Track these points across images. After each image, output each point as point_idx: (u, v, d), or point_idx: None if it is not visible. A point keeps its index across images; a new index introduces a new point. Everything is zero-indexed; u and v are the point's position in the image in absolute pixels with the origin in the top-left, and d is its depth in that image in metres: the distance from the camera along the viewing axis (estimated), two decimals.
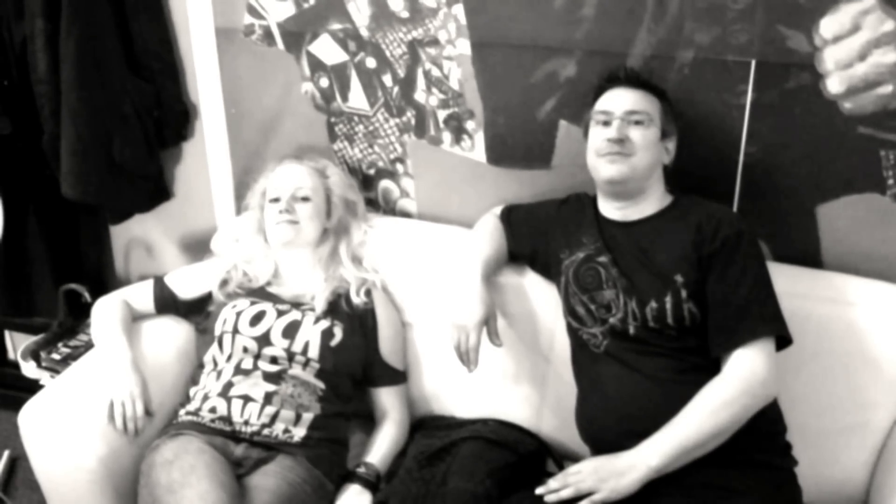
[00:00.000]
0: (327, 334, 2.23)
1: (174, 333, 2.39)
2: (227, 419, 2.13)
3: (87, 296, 2.67)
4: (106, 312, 2.31)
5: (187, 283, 2.41)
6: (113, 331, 2.26)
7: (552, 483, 1.87)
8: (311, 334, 2.22)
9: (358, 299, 2.32)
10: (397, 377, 2.36)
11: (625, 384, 1.96)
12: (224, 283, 2.36)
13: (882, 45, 1.96)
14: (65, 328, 2.69)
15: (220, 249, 2.57)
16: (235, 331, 2.23)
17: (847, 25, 1.98)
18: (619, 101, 2.06)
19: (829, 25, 1.99)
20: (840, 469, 2.08)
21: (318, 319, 2.25)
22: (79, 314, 2.71)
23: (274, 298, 2.31)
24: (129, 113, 2.62)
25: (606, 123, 2.06)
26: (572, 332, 2.12)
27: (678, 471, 1.81)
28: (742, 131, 2.16)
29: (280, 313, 2.25)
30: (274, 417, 2.13)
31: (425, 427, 2.33)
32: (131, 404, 2.14)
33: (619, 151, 2.01)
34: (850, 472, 2.08)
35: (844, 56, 2.00)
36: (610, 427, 1.95)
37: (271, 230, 2.34)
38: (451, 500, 1.96)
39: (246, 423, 2.12)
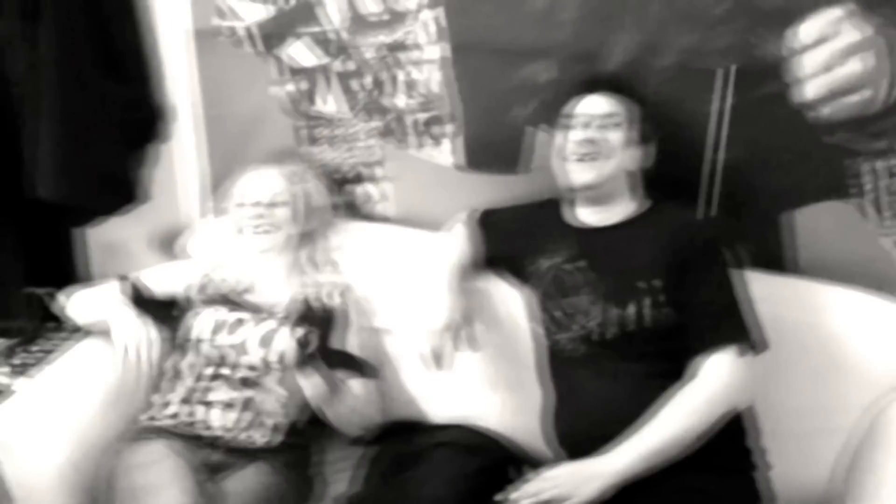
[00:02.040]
0: (304, 344, 2.20)
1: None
2: (195, 424, 2.12)
3: (53, 300, 2.65)
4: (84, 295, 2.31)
5: (159, 281, 2.39)
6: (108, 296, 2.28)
7: (524, 489, 1.86)
8: (286, 343, 2.19)
9: (331, 303, 2.30)
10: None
11: (599, 388, 1.96)
12: (202, 287, 2.35)
13: (859, 52, 1.97)
14: (37, 332, 2.67)
15: (195, 252, 2.55)
16: (204, 338, 2.22)
17: (824, 32, 1.98)
18: (594, 104, 2.07)
19: (807, 31, 2.00)
20: (813, 472, 2.08)
21: (294, 328, 2.23)
22: (51, 318, 2.68)
23: (249, 306, 2.29)
24: (105, 115, 2.60)
25: (584, 126, 2.06)
26: (547, 338, 2.11)
27: (650, 475, 1.81)
28: (719, 137, 2.16)
29: (255, 322, 2.24)
30: (240, 423, 2.12)
31: (398, 432, 2.32)
32: (143, 342, 2.18)
33: (589, 153, 2.02)
34: (822, 475, 2.07)
35: (822, 62, 2.01)
36: (584, 431, 1.95)
37: (246, 235, 2.32)
38: None
39: (212, 428, 2.11)
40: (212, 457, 2.08)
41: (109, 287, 2.32)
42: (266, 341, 2.20)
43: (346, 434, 2.22)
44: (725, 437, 1.87)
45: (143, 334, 2.19)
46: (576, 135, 2.05)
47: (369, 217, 2.63)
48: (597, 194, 2.06)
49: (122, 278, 2.38)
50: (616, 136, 2.03)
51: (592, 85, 2.12)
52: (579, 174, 2.04)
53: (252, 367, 2.19)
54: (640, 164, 2.08)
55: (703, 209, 2.22)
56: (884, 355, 2.03)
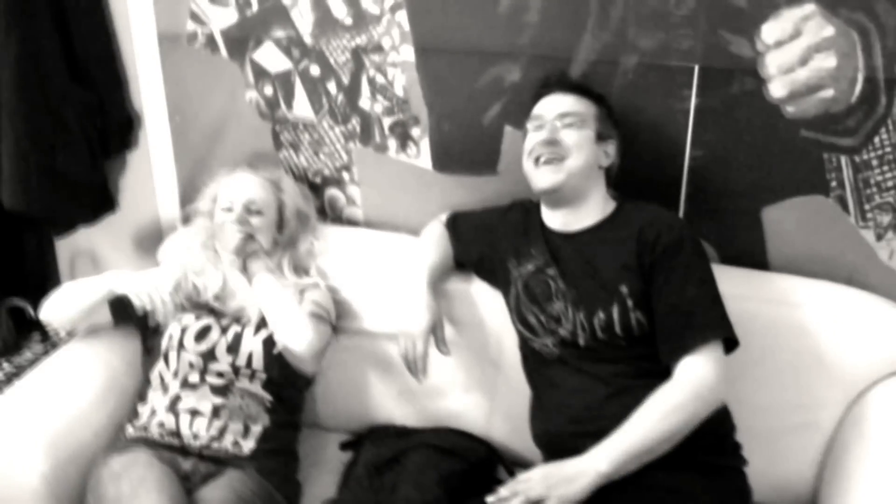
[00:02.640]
0: (269, 343, 2.21)
1: (120, 350, 2.35)
2: (176, 433, 2.11)
3: (31, 311, 2.64)
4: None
5: (136, 288, 2.36)
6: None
7: (502, 491, 1.85)
8: (253, 345, 2.21)
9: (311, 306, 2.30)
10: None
11: (578, 388, 1.96)
12: (174, 291, 2.33)
13: (822, 50, 1.98)
14: (9, 345, 2.65)
15: (167, 259, 2.54)
16: (181, 346, 2.20)
17: (788, 31, 1.99)
18: (551, 105, 2.08)
19: (770, 31, 2.01)
20: (789, 468, 2.10)
21: (258, 329, 2.24)
22: (22, 330, 2.67)
23: (219, 313, 2.29)
24: (72, 122, 2.58)
25: (539, 128, 2.06)
26: (524, 341, 2.11)
27: (629, 475, 1.81)
28: (687, 136, 2.17)
29: (224, 329, 2.24)
30: (223, 430, 2.12)
31: (376, 436, 2.32)
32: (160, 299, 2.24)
33: (551, 154, 2.02)
34: (799, 471, 2.10)
35: (786, 61, 2.02)
36: (563, 430, 1.95)
37: (223, 240, 2.31)
38: None
39: (195, 436, 2.11)
40: (191, 465, 2.08)
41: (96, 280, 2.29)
42: (233, 347, 2.20)
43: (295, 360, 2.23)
44: (714, 435, 1.88)
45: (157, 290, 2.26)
46: (535, 136, 2.06)
47: (338, 221, 2.64)
48: (561, 196, 2.06)
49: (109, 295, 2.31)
50: (573, 136, 2.03)
51: (549, 86, 2.13)
52: (543, 178, 2.04)
53: (221, 374, 2.18)
54: (602, 162, 2.08)
55: (679, 207, 2.24)
56: (858, 349, 2.05)
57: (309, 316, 2.21)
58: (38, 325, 2.29)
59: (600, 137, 2.07)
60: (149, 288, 2.31)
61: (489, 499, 1.84)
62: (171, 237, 2.58)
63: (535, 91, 2.15)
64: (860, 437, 1.96)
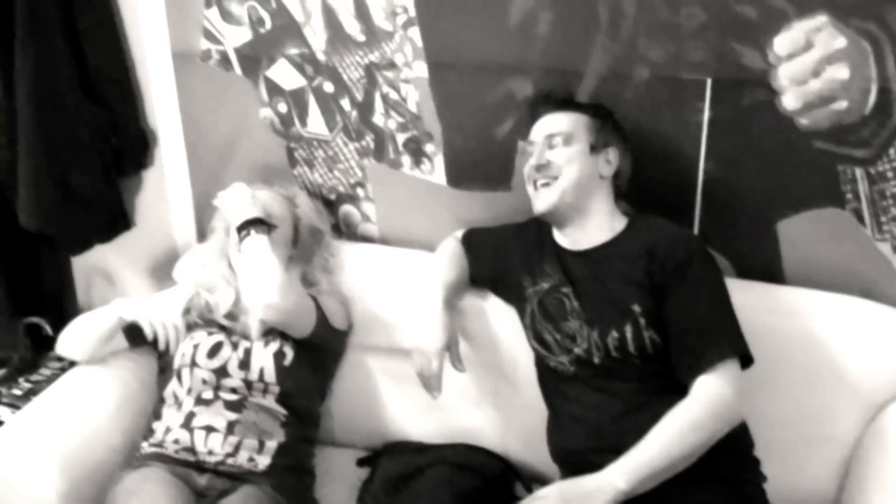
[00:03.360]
0: (279, 355, 2.22)
1: (135, 368, 2.37)
2: (191, 449, 2.12)
3: (47, 329, 2.65)
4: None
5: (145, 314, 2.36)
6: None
7: None
8: (264, 359, 2.21)
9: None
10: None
11: (594, 405, 1.96)
12: (186, 311, 2.33)
13: (835, 62, 1.97)
14: (25, 362, 2.66)
15: (181, 277, 2.55)
16: (193, 363, 2.21)
17: (800, 42, 1.99)
18: (539, 128, 2.11)
19: (782, 42, 2.00)
20: (809, 482, 2.08)
21: (267, 343, 2.24)
22: (39, 348, 2.68)
23: (230, 329, 2.29)
24: (86, 141, 2.59)
25: (531, 153, 2.10)
26: (539, 358, 2.11)
27: (653, 491, 1.79)
28: (700, 149, 2.16)
29: (235, 345, 2.24)
30: (237, 446, 2.12)
31: (392, 452, 2.32)
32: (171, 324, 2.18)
33: (544, 177, 2.05)
34: (818, 485, 2.08)
35: (799, 72, 2.01)
36: (580, 446, 1.95)
37: (237, 256, 2.31)
38: None
39: (210, 452, 2.11)
40: (206, 481, 2.08)
41: (105, 309, 2.29)
42: (245, 363, 2.20)
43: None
44: (732, 450, 1.86)
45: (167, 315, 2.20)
46: (528, 162, 2.09)
47: (353, 237, 2.64)
48: (561, 215, 2.07)
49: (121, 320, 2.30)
50: (561, 155, 2.05)
51: (538, 108, 2.15)
52: (539, 201, 2.07)
53: (234, 390, 2.19)
54: (603, 172, 2.08)
55: (693, 221, 2.23)
56: (875, 362, 2.03)
57: (291, 283, 2.19)
58: (54, 343, 2.30)
59: (594, 148, 2.07)
60: (159, 314, 2.30)
61: None
62: (186, 254, 2.60)
63: (530, 115, 2.17)
64: (882, 451, 1.94)
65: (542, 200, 2.06)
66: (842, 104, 2.00)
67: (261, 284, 2.15)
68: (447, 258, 2.29)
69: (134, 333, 2.31)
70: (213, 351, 2.22)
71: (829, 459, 2.06)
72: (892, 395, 2.02)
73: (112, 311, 2.24)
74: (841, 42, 1.95)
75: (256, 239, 2.19)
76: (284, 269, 2.24)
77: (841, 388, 2.04)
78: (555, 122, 2.09)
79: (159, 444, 2.14)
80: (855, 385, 2.03)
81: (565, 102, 2.13)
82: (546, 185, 2.05)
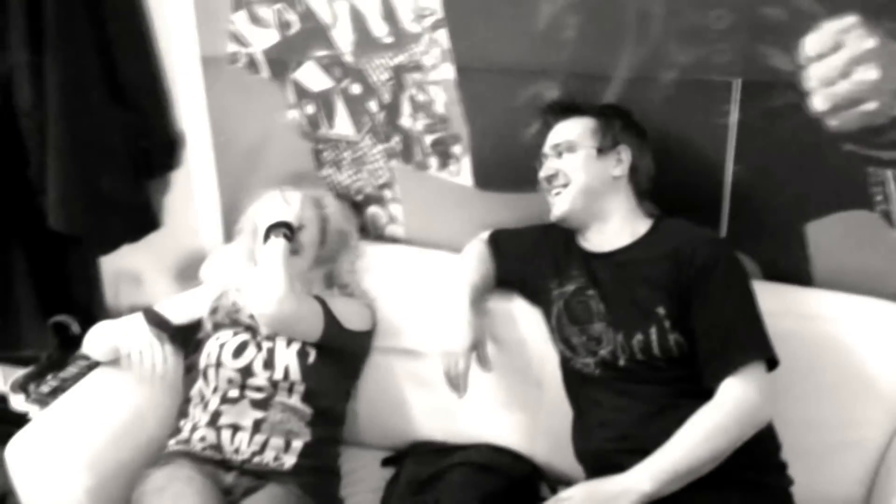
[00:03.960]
0: (303, 354, 2.23)
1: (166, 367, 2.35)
2: (217, 447, 2.13)
3: (75, 327, 2.66)
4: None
5: (178, 309, 2.39)
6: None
7: None
8: (288, 358, 2.21)
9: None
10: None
11: (619, 407, 1.95)
12: (213, 311, 2.35)
13: (864, 63, 1.96)
14: (53, 360, 2.68)
15: (209, 277, 2.56)
16: (219, 363, 2.22)
17: (829, 43, 1.98)
18: (548, 139, 2.14)
19: (811, 44, 2.00)
20: (836, 487, 2.07)
21: (290, 342, 2.25)
22: (67, 346, 2.70)
23: (256, 329, 2.30)
24: (116, 143, 2.62)
25: (541, 165, 2.14)
26: (565, 360, 2.11)
27: (682, 494, 1.79)
28: (728, 151, 2.16)
29: (259, 345, 2.25)
30: (264, 445, 2.13)
31: (417, 453, 2.32)
32: (149, 350, 2.19)
33: (554, 187, 2.09)
34: (846, 490, 2.07)
35: (828, 74, 2.00)
36: (605, 448, 1.94)
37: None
38: None
39: (236, 451, 2.12)
40: (232, 479, 2.10)
41: (128, 318, 2.30)
42: (269, 363, 2.21)
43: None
44: (758, 453, 1.86)
45: (153, 345, 2.21)
46: (540, 172, 2.13)
47: (380, 238, 2.65)
48: (576, 220, 2.10)
49: (147, 311, 2.34)
50: (567, 163, 2.08)
51: (546, 119, 2.18)
52: (554, 209, 2.10)
53: (260, 389, 2.20)
54: (614, 172, 2.07)
55: (721, 223, 2.23)
56: (883, 357, 2.03)
57: (294, 291, 2.19)
58: (81, 341, 2.32)
59: (602, 151, 2.07)
60: (191, 308, 2.33)
61: None
62: (213, 255, 2.61)
63: (543, 126, 2.20)
64: None
65: (556, 208, 2.09)
66: (871, 105, 1.99)
67: (260, 292, 2.16)
68: (474, 259, 2.29)
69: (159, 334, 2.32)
70: (239, 350, 2.23)
71: (857, 463, 2.06)
72: None
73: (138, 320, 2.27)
74: (870, 43, 1.95)
75: (274, 243, 2.21)
76: (306, 269, 2.31)
77: (869, 393, 2.03)
78: (559, 132, 2.12)
79: (186, 442, 2.15)
80: (883, 390, 2.02)
81: (568, 109, 2.15)
82: (558, 193, 2.08)
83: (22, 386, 2.59)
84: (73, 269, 2.94)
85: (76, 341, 2.41)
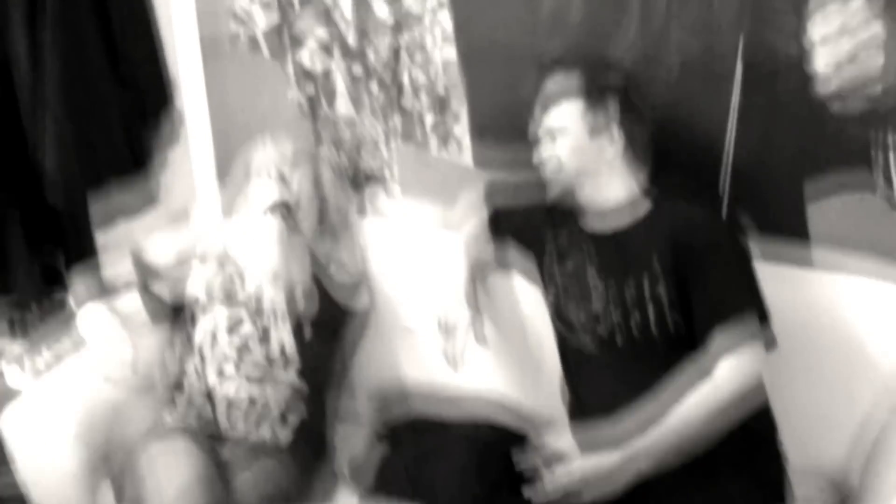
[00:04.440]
0: (298, 330, 2.23)
1: (158, 341, 2.37)
2: (213, 422, 2.13)
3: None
4: None
5: (165, 250, 2.41)
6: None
7: (541, 485, 1.87)
8: (283, 334, 2.22)
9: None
10: None
11: (616, 387, 1.96)
12: (208, 287, 2.33)
13: (870, 47, 1.96)
14: (42, 307, 2.69)
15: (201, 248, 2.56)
16: (214, 339, 2.23)
17: (835, 27, 1.98)
18: (542, 122, 2.12)
19: (817, 27, 1.99)
20: (830, 465, 2.08)
21: (285, 319, 2.24)
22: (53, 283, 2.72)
23: (251, 305, 2.28)
24: (115, 120, 2.61)
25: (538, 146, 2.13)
26: (562, 339, 2.11)
27: (666, 476, 1.81)
28: (731, 133, 2.16)
29: (255, 321, 2.24)
30: (259, 420, 2.13)
31: (412, 429, 2.32)
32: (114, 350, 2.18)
33: (548, 173, 2.09)
34: (840, 468, 2.08)
35: (833, 58, 2.00)
36: (601, 425, 1.93)
37: (259, 216, 2.30)
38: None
39: (232, 426, 2.13)
40: (228, 453, 2.10)
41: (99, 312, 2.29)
42: (265, 338, 2.21)
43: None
44: (754, 432, 1.88)
45: (118, 342, 2.20)
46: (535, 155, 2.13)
47: (378, 217, 2.65)
48: (574, 202, 2.10)
49: (134, 256, 2.35)
50: (559, 148, 2.06)
51: (541, 101, 2.15)
52: (551, 193, 2.11)
53: (256, 365, 2.19)
54: (606, 152, 2.05)
55: (722, 204, 2.23)
56: (884, 339, 2.04)
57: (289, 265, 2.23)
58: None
59: (595, 131, 2.05)
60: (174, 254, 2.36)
61: (527, 492, 1.87)
62: (206, 227, 2.61)
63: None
64: None
65: (552, 191, 2.10)
66: (876, 89, 1.99)
67: (258, 264, 2.19)
68: (474, 236, 2.29)
69: (154, 308, 2.34)
70: (234, 327, 2.23)
71: (853, 443, 2.06)
72: None
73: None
74: (876, 27, 1.95)
75: (269, 220, 2.22)
76: (305, 246, 2.31)
77: (867, 373, 2.04)
78: (550, 118, 2.10)
79: (182, 417, 2.15)
80: (881, 369, 2.03)
81: (566, 67, 2.12)
82: (554, 175, 2.08)
83: (19, 330, 2.60)
84: (70, 244, 2.91)
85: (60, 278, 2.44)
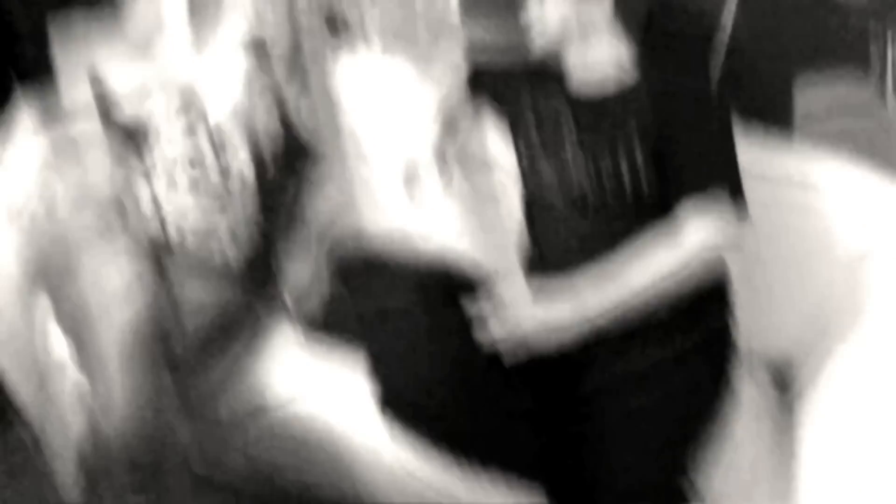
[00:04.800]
0: (259, 165, 2.23)
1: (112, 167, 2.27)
2: (161, 232, 2.15)
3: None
4: None
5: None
6: None
7: (489, 330, 1.90)
8: (243, 168, 2.21)
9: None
10: None
11: (581, 244, 1.96)
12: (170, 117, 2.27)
13: None
14: None
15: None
16: (173, 165, 2.20)
17: None
18: None
19: None
20: (776, 350, 2.13)
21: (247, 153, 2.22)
22: None
23: (214, 138, 2.25)
24: None
25: None
26: (531, 196, 2.09)
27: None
28: (729, 9, 2.13)
29: (217, 154, 2.23)
30: (209, 236, 2.14)
31: (367, 270, 2.27)
32: None
33: (538, 32, 2.04)
34: (784, 354, 2.13)
35: None
36: (558, 278, 1.94)
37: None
38: None
39: (180, 237, 2.14)
40: (172, 265, 2.10)
41: None
42: (225, 172, 2.19)
43: None
44: (712, 300, 1.92)
45: None
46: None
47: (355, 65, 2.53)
48: (562, 62, 2.05)
49: (94, 81, 2.31)
50: (548, 8, 2.01)
51: None
52: (535, 52, 2.07)
53: (214, 191, 2.18)
54: (591, 16, 2.02)
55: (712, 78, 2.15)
56: (851, 224, 2.05)
57: None
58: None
59: None
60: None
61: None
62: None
63: None
64: (850, 312, 2.00)
65: (536, 54, 2.06)
66: None
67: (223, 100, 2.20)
68: (449, 93, 2.25)
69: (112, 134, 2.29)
70: (194, 158, 2.21)
71: (804, 316, 2.10)
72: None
73: None
74: None
75: (239, 57, 2.21)
76: (275, 86, 2.27)
77: (828, 254, 2.07)
78: None
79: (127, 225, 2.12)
80: (844, 251, 2.06)
81: None
82: (537, 39, 2.05)
83: None
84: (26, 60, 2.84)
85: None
